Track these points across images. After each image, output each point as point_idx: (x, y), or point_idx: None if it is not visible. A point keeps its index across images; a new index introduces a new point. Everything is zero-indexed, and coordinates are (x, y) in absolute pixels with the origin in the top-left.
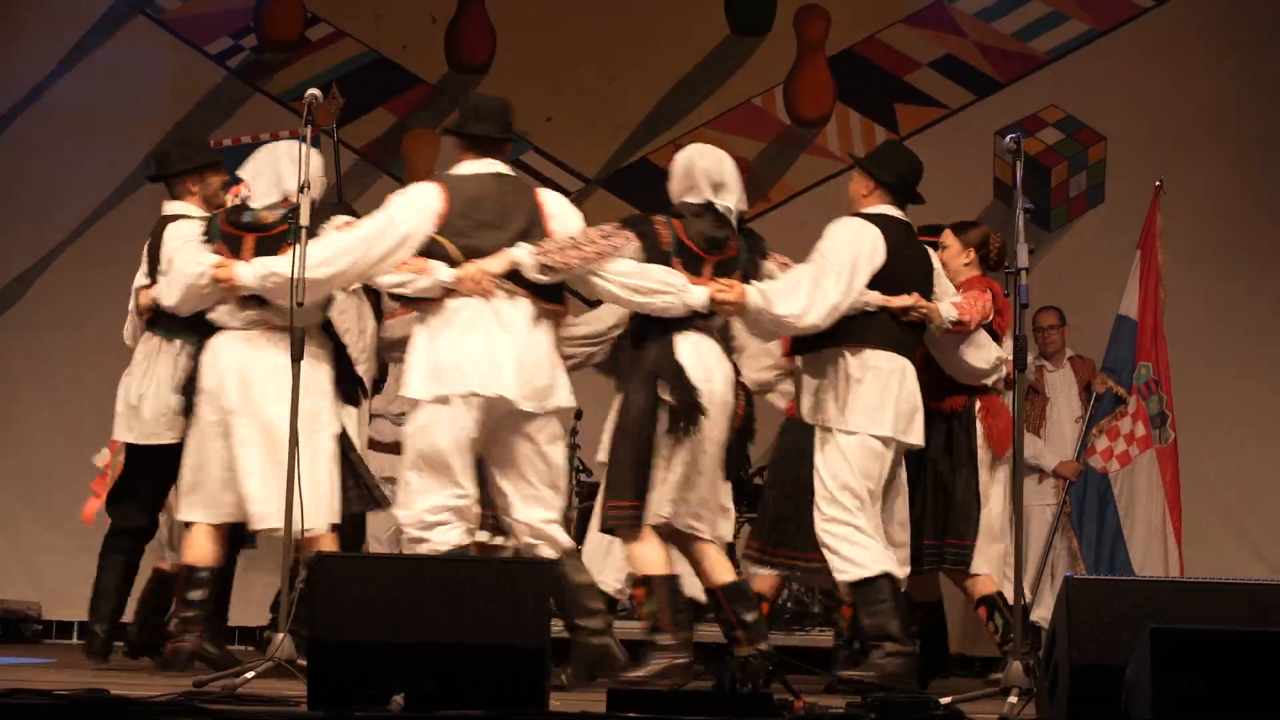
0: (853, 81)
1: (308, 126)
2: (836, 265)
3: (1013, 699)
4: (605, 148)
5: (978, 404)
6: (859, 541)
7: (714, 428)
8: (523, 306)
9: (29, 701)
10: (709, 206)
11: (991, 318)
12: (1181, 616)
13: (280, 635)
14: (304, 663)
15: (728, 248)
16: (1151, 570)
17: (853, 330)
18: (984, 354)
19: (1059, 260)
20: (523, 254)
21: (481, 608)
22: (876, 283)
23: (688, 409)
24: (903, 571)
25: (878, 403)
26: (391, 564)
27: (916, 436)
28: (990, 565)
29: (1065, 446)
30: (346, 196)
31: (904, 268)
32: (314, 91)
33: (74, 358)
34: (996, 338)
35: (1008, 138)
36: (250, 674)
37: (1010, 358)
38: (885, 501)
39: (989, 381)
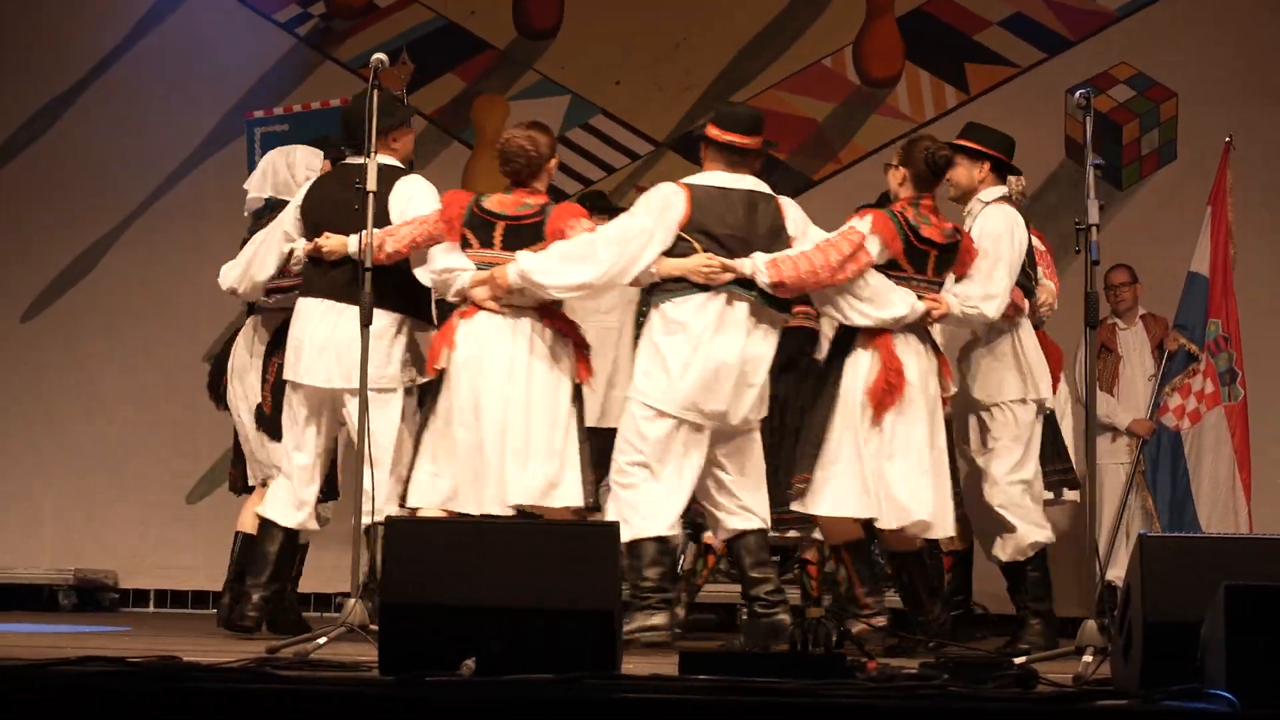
0: (922, 41)
1: (375, 92)
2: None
3: (1087, 658)
4: (674, 110)
5: None
6: None
7: None
8: None
9: (102, 669)
10: None
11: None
12: (1257, 574)
13: (352, 600)
14: (375, 629)
15: None
16: (1219, 527)
17: None
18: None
19: (1131, 218)
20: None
21: (552, 571)
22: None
23: None
24: None
25: None
26: (462, 528)
27: None
28: None
29: (1138, 405)
30: (417, 163)
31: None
32: (380, 56)
33: (147, 330)
34: None
35: (1078, 93)
36: (322, 640)
37: None
38: None
39: None
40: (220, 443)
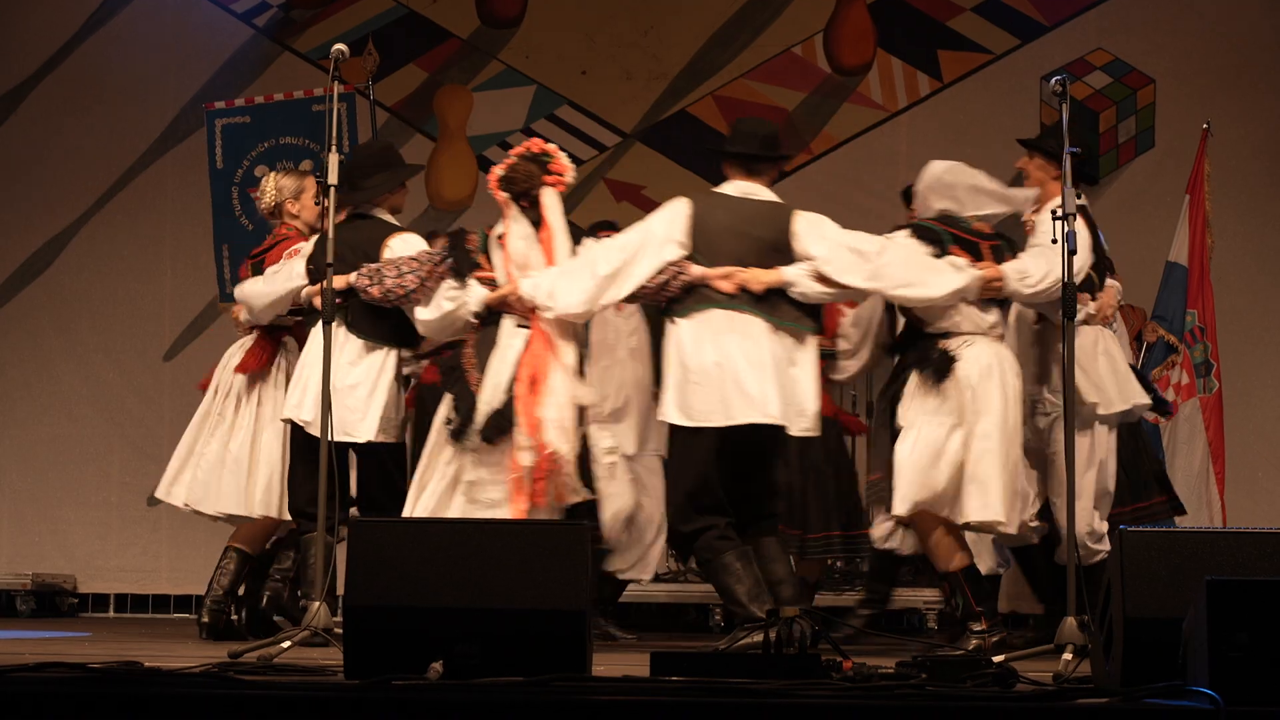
0: (894, 28)
1: (336, 83)
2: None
3: (1067, 656)
4: (642, 100)
5: None
6: None
7: None
8: None
9: (62, 675)
10: None
11: None
12: (1238, 568)
13: (316, 604)
14: (341, 632)
15: None
16: (1191, 521)
17: None
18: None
19: (1109, 206)
20: None
21: (521, 571)
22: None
23: None
24: None
25: None
26: (430, 529)
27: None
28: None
29: None
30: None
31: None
32: (340, 47)
33: (104, 330)
34: None
35: (1053, 80)
36: (286, 644)
37: None
38: None
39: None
40: None
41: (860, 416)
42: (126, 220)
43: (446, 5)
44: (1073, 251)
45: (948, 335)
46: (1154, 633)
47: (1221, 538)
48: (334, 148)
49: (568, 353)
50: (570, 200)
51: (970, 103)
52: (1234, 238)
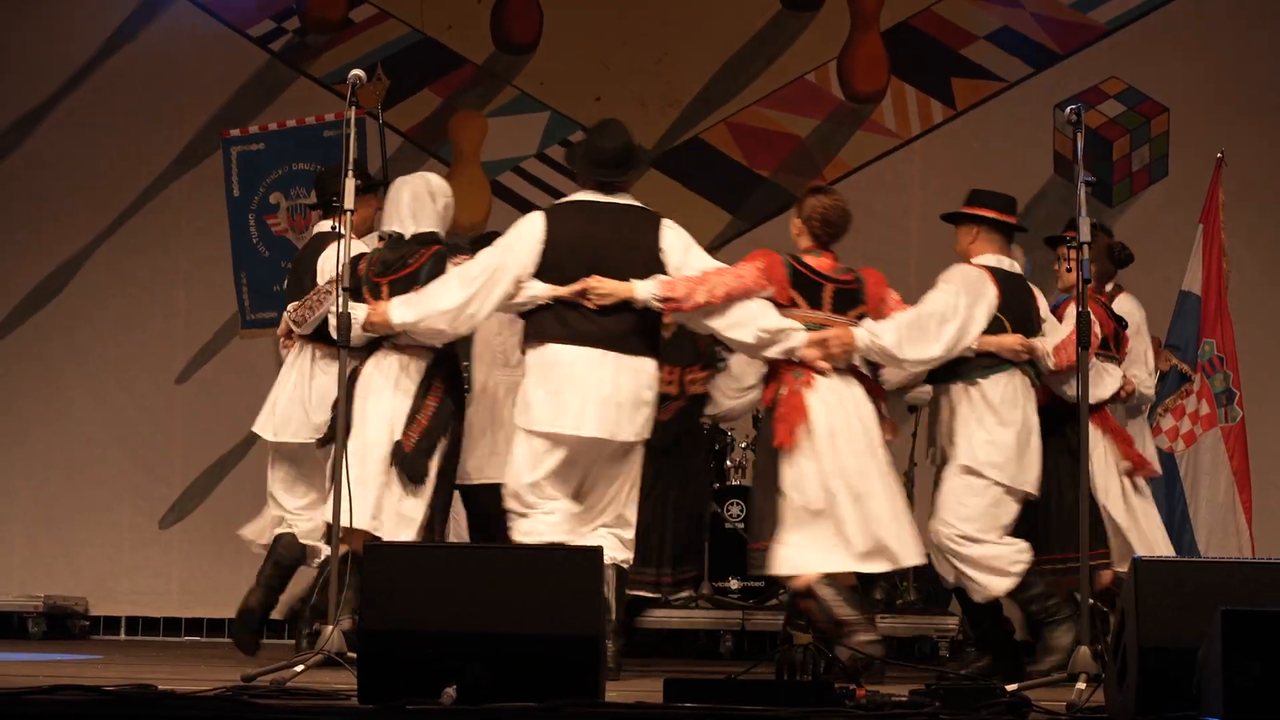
0: (908, 56)
1: (352, 109)
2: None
3: (1081, 685)
4: (656, 127)
5: None
6: None
7: None
8: None
9: (76, 698)
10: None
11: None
12: (1253, 597)
13: (330, 628)
14: (354, 656)
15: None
16: (1218, 551)
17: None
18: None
19: (1122, 235)
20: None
21: (535, 597)
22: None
23: None
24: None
25: None
26: (443, 553)
27: None
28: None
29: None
30: (392, 181)
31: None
32: (358, 72)
33: (117, 353)
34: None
35: (1068, 109)
36: (300, 668)
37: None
38: None
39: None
40: (194, 466)
41: None
42: (140, 243)
43: (461, 31)
44: (1087, 280)
45: None
46: (1168, 662)
47: (1237, 568)
48: (350, 172)
49: None
50: None
51: (983, 130)
52: (1246, 267)
